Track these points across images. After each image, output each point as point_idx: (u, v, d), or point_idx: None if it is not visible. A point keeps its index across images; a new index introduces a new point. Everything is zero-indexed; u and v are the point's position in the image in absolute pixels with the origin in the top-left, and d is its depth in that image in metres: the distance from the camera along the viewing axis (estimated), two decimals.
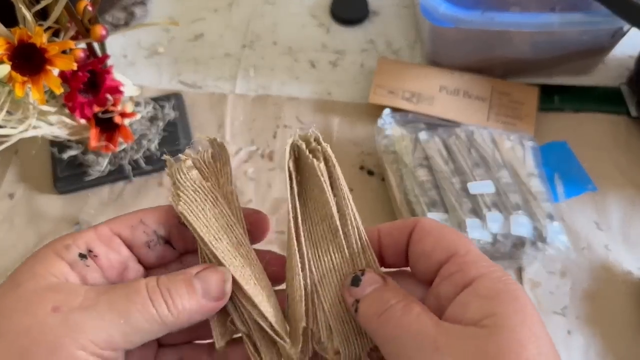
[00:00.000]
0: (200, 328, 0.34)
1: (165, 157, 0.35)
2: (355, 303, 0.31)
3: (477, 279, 0.29)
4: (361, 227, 0.34)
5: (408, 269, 0.34)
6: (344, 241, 0.34)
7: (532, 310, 0.28)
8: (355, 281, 0.32)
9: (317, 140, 0.35)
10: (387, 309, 0.30)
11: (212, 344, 0.34)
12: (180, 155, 0.35)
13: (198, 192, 0.34)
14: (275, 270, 0.35)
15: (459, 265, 0.30)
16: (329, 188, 0.34)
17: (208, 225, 0.33)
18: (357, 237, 0.34)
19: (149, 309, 0.29)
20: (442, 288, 0.30)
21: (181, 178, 0.34)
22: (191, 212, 0.32)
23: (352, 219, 0.34)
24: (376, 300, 0.31)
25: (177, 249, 0.35)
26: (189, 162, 0.35)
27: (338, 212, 0.34)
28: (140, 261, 0.34)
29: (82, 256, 0.31)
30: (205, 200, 0.33)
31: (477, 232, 0.58)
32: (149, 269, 0.35)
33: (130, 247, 0.33)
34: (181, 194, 0.33)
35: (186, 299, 0.30)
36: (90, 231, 0.32)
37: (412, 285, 0.33)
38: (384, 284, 0.32)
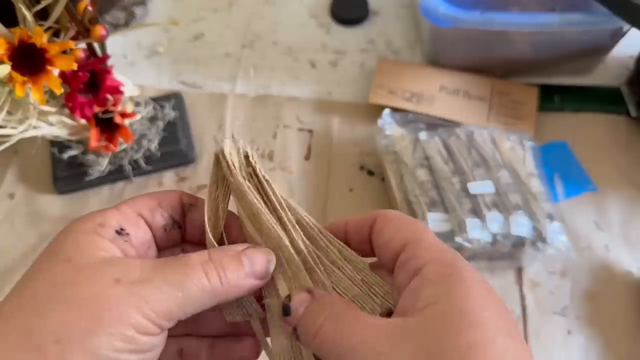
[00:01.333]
0: (201, 321, 0.35)
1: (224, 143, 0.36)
2: (294, 332, 0.31)
3: (426, 265, 0.29)
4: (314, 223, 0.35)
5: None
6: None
7: (478, 290, 0.28)
8: (286, 311, 0.31)
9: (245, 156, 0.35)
10: (319, 330, 0.30)
11: (213, 338, 0.35)
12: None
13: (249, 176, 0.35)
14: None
15: (412, 252, 0.30)
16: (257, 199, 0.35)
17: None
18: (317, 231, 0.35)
19: (203, 281, 0.30)
20: (398, 277, 0.30)
21: (234, 161, 0.35)
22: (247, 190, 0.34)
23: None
24: (308, 322, 0.31)
25: (183, 234, 0.36)
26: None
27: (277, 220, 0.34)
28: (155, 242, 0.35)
29: (119, 233, 0.32)
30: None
31: (477, 232, 0.58)
32: (160, 251, 0.36)
33: (150, 228, 0.34)
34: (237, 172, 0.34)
35: (235, 274, 0.31)
36: (116, 211, 0.33)
37: (387, 277, 0.33)
38: (311, 299, 0.31)
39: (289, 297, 0.32)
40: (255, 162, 0.35)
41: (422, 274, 0.29)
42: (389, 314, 0.31)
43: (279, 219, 0.34)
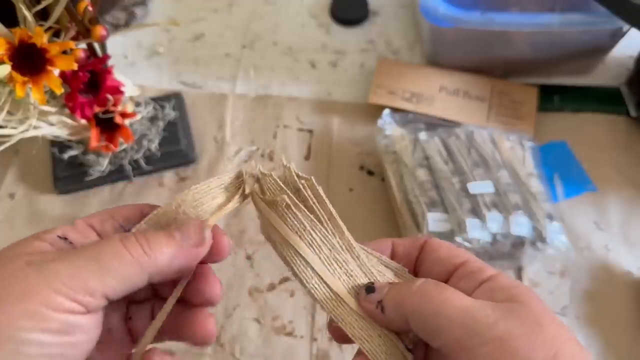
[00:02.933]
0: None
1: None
2: (378, 305, 0.34)
3: (494, 276, 0.33)
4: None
5: None
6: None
7: (540, 298, 0.32)
8: (370, 289, 0.34)
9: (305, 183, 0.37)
10: (418, 288, 0.32)
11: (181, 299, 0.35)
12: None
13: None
14: None
15: (474, 267, 0.34)
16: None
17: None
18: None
19: (121, 252, 0.30)
20: (462, 284, 0.34)
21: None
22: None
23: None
24: (401, 289, 0.33)
25: None
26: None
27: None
28: None
29: (60, 238, 0.32)
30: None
31: (477, 231, 0.58)
32: None
33: (100, 237, 0.34)
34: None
35: (164, 244, 0.31)
36: (67, 224, 0.33)
37: None
38: (396, 282, 0.35)
39: (371, 283, 0.35)
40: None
41: (495, 281, 0.33)
42: None
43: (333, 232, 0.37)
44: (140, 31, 0.82)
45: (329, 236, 0.37)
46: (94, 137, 0.60)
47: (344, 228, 0.38)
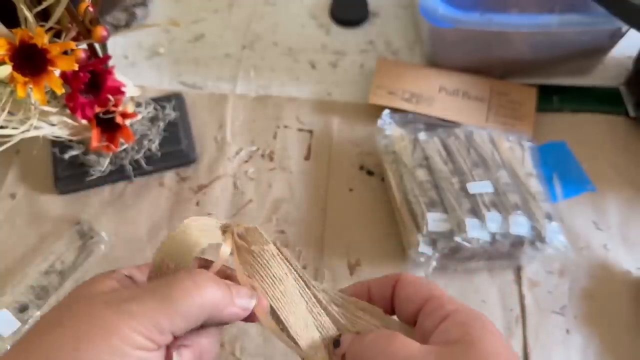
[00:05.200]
0: None
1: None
2: (342, 358, 0.37)
3: (453, 312, 0.35)
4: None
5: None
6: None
7: (495, 331, 0.34)
8: (336, 343, 0.38)
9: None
10: (370, 341, 0.36)
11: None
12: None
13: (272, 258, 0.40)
14: None
15: (436, 305, 0.36)
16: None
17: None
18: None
19: (191, 294, 0.33)
20: (426, 322, 0.36)
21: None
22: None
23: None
24: (358, 343, 0.37)
25: None
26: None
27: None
28: None
29: (127, 277, 0.35)
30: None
31: (476, 231, 0.58)
32: None
33: None
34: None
35: (220, 294, 0.34)
36: (132, 266, 0.37)
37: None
38: (357, 335, 0.38)
39: (338, 336, 0.39)
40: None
41: (452, 318, 0.35)
42: None
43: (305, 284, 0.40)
44: (141, 32, 0.83)
45: (305, 288, 0.40)
46: (94, 137, 0.60)
47: (314, 282, 0.40)
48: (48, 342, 0.30)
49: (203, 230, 0.37)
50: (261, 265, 0.38)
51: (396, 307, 0.39)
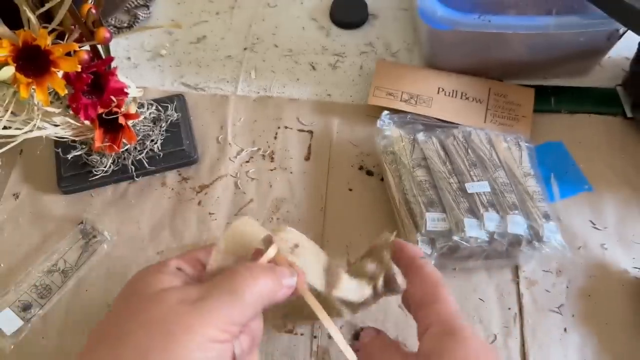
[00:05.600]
0: None
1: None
2: (357, 349, 0.43)
3: (432, 324, 0.40)
4: None
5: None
6: None
7: (473, 345, 0.38)
8: (356, 335, 0.44)
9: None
10: (366, 345, 0.42)
11: None
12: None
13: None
14: None
15: (431, 312, 0.42)
16: None
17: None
18: None
19: (254, 287, 0.36)
20: (418, 329, 0.42)
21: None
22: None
23: None
24: (367, 349, 0.44)
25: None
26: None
27: None
28: None
29: (178, 269, 0.37)
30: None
31: (475, 231, 0.58)
32: None
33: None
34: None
35: (276, 281, 0.38)
36: (175, 258, 0.40)
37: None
38: (376, 335, 0.44)
39: (361, 328, 0.45)
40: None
41: (430, 332, 0.38)
42: None
43: None
44: (143, 33, 0.83)
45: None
46: (97, 137, 0.61)
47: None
48: (134, 344, 0.32)
49: (255, 226, 0.41)
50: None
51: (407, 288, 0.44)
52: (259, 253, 0.41)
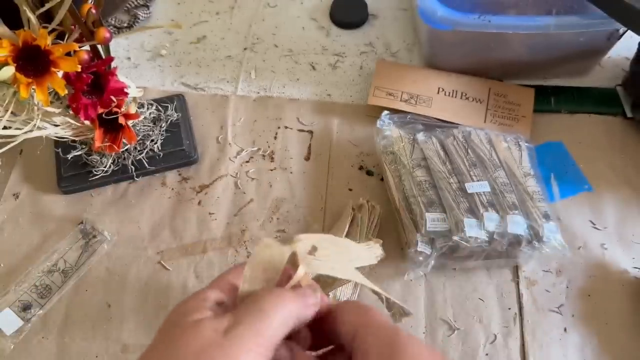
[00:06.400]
0: None
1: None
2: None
3: (370, 348, 0.37)
4: None
5: None
6: None
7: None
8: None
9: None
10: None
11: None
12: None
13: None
14: None
15: (361, 337, 0.38)
16: None
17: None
18: None
19: (281, 311, 0.37)
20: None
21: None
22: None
23: None
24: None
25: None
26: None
27: None
28: None
29: (218, 304, 0.39)
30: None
31: (474, 231, 0.58)
32: None
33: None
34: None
35: (302, 302, 0.39)
36: (214, 287, 0.40)
37: None
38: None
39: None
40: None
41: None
42: None
43: None
44: (143, 33, 0.83)
45: None
46: (97, 137, 0.61)
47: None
48: None
49: (276, 247, 0.41)
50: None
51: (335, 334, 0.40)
52: (287, 274, 0.41)
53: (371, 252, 0.48)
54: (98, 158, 0.67)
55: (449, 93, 0.74)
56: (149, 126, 0.70)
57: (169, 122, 0.71)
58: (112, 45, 0.59)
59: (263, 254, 0.40)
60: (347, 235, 0.63)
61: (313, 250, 0.43)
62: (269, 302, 0.37)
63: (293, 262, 0.41)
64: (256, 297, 0.38)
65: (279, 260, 0.40)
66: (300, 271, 0.41)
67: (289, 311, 0.37)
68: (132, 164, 0.68)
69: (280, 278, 0.41)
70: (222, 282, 0.41)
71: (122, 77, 0.60)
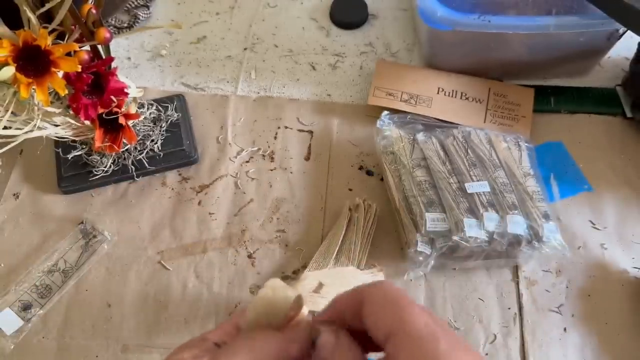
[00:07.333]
0: None
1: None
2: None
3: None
4: None
5: None
6: None
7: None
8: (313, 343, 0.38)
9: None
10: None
11: None
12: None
13: None
14: None
15: (393, 346, 0.34)
16: None
17: None
18: None
19: (268, 346, 0.37)
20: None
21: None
22: None
23: None
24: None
25: None
26: None
27: None
28: None
29: (217, 345, 0.39)
30: None
31: (474, 231, 0.58)
32: None
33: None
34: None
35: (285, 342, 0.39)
36: (218, 329, 0.41)
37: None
38: (335, 342, 0.38)
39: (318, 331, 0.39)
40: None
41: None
42: None
43: None
44: (144, 34, 0.83)
45: None
46: (97, 137, 0.61)
47: None
48: None
49: (280, 289, 0.40)
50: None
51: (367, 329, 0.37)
52: (292, 320, 0.41)
53: (375, 279, 0.48)
54: (98, 158, 0.67)
55: (449, 93, 0.74)
56: (149, 126, 0.70)
57: (169, 122, 0.71)
58: (112, 45, 0.59)
59: (265, 299, 0.40)
60: (344, 236, 0.63)
61: (319, 287, 0.43)
62: (259, 334, 0.38)
63: (298, 304, 0.41)
64: (248, 334, 0.38)
65: (283, 304, 0.40)
66: (305, 312, 0.41)
67: (276, 347, 0.38)
68: (132, 164, 0.68)
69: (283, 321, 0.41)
70: (227, 325, 0.42)
71: (122, 77, 0.60)
